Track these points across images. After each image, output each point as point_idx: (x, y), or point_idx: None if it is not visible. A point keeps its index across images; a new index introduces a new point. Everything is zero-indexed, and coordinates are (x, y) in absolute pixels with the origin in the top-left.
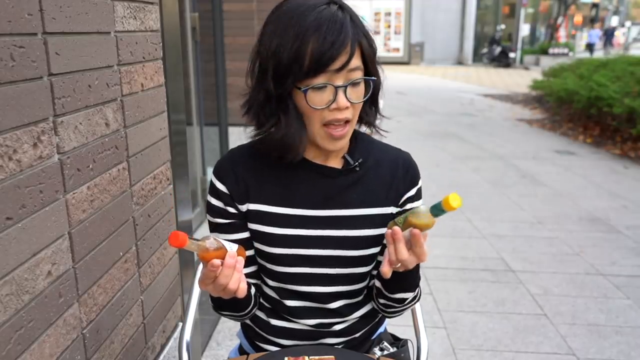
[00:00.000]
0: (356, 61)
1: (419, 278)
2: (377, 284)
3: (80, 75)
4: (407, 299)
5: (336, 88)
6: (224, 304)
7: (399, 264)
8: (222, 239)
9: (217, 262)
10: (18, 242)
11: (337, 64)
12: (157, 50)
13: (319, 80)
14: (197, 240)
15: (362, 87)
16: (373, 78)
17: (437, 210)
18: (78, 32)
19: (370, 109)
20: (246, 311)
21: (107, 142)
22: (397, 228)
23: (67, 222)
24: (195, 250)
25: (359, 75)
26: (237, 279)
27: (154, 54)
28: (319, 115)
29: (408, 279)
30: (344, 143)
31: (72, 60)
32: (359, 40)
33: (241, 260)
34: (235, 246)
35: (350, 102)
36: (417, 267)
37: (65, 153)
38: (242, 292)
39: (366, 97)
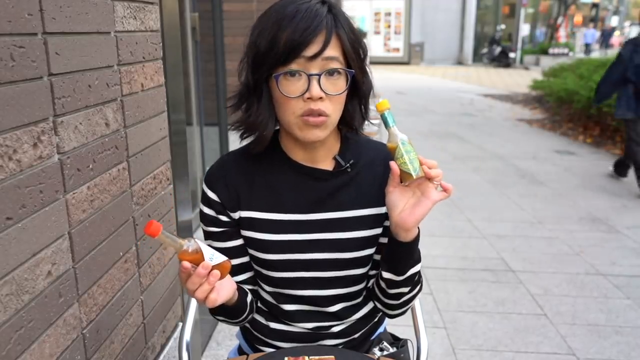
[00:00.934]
0: (333, 51)
1: (419, 250)
2: (386, 274)
3: (80, 75)
4: (415, 274)
5: (309, 76)
6: (217, 309)
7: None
8: (215, 246)
9: (186, 264)
10: (18, 242)
11: (310, 50)
12: (157, 50)
13: (293, 67)
14: (176, 237)
15: (341, 80)
16: (351, 70)
17: (384, 121)
18: (78, 32)
19: (357, 112)
20: (240, 318)
21: (107, 142)
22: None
23: (67, 222)
24: (170, 246)
25: (336, 65)
26: (205, 290)
27: (154, 54)
28: (294, 106)
29: (414, 249)
30: (321, 135)
31: (72, 60)
32: (338, 33)
33: (216, 274)
34: (221, 258)
35: (325, 92)
36: (418, 236)
37: (65, 153)
38: (211, 303)
39: (344, 91)
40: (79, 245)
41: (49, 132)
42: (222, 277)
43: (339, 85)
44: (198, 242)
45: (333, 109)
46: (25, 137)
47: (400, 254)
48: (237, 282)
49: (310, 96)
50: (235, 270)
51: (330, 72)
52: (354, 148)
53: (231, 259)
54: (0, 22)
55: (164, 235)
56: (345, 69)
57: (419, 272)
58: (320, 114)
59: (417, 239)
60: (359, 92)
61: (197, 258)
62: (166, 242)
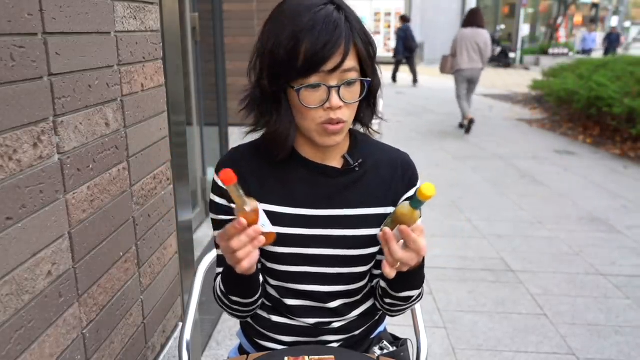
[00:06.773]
0: (350, 62)
1: (423, 276)
2: (383, 284)
3: (80, 75)
4: (412, 296)
5: (329, 88)
6: (234, 287)
7: (398, 264)
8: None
9: (243, 221)
10: (18, 242)
11: (330, 64)
12: (157, 50)
13: (313, 79)
14: (243, 194)
15: (357, 87)
16: (368, 79)
17: (416, 202)
18: (78, 32)
19: (367, 109)
20: (254, 298)
21: (107, 142)
22: (386, 229)
23: (67, 222)
24: (235, 198)
25: (353, 75)
26: (247, 251)
27: (154, 54)
28: (314, 115)
29: (414, 277)
30: (339, 139)
31: (72, 60)
32: (354, 41)
33: (262, 240)
34: (270, 228)
35: (344, 102)
36: (422, 264)
37: (65, 153)
38: (244, 267)
39: (361, 97)
40: (79, 245)
41: (49, 132)
42: (265, 245)
43: (355, 93)
44: (259, 205)
45: (350, 115)
46: (25, 137)
47: (397, 276)
48: None
49: (331, 106)
50: None
51: (349, 83)
52: (363, 148)
53: None
54: (0, 22)
55: (234, 188)
56: (362, 79)
57: (417, 295)
58: (339, 122)
59: (412, 272)
60: (369, 90)
61: (253, 220)
62: (234, 195)
